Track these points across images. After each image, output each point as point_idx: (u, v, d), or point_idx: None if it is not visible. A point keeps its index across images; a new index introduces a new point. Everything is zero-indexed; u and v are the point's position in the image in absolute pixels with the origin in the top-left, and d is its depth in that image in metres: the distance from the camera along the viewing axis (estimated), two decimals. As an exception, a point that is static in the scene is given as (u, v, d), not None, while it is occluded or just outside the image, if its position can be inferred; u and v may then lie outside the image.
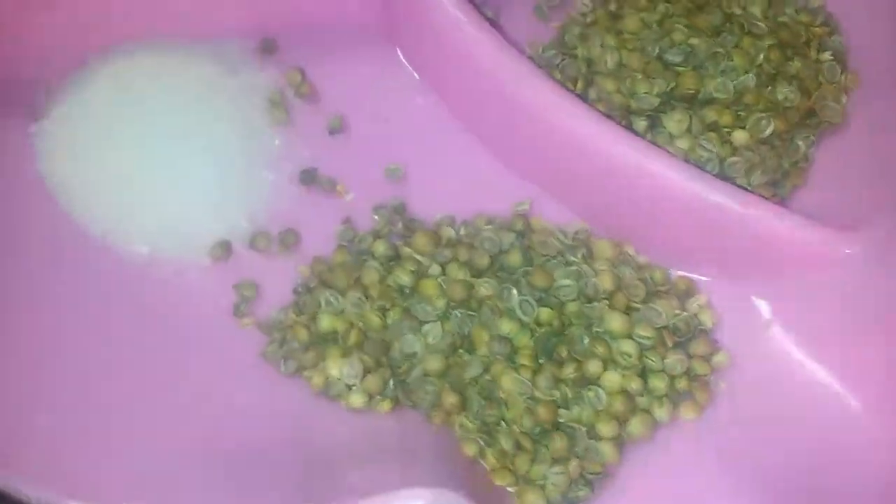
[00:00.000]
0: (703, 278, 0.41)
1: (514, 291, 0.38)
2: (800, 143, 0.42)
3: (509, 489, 0.37)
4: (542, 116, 0.41)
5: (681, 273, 0.41)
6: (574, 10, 0.46)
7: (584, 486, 0.37)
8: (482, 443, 0.37)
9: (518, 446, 0.36)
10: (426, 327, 0.38)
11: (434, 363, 0.38)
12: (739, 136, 0.40)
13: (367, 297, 0.39)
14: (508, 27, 0.46)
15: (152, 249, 0.41)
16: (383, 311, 0.39)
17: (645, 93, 0.41)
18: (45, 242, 0.41)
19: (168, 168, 0.42)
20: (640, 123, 0.41)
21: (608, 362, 0.37)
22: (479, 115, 0.44)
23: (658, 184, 0.39)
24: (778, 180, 0.41)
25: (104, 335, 0.40)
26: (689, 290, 0.40)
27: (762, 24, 0.42)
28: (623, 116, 0.41)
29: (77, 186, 0.42)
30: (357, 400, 0.38)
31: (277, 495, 0.36)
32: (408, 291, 0.39)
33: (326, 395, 0.39)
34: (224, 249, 0.41)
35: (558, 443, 0.36)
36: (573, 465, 0.36)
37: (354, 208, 0.43)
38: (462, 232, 0.41)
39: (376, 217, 0.42)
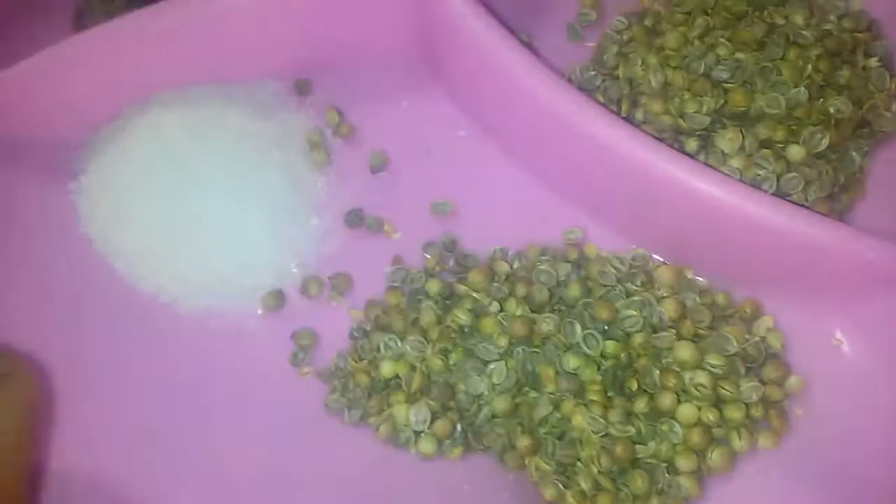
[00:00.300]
0: (765, 299, 0.40)
1: (578, 326, 0.37)
2: (854, 154, 0.41)
3: (592, 531, 0.36)
4: (590, 141, 0.40)
5: (744, 295, 0.40)
6: (608, 27, 0.45)
7: (667, 523, 0.36)
8: (560, 485, 0.36)
9: (597, 486, 0.36)
10: (490, 367, 0.37)
11: (501, 403, 0.37)
12: (795, 152, 0.39)
13: (426, 339, 0.38)
14: (543, 49, 0.45)
15: (203, 304, 0.41)
16: (445, 353, 0.38)
17: (694, 112, 0.40)
18: (97, 304, 0.41)
19: (211, 219, 0.41)
20: (692, 144, 0.40)
21: (681, 394, 0.36)
22: (522, 142, 0.43)
23: (715, 206, 0.38)
24: (835, 194, 0.41)
25: (162, 392, 0.40)
26: (755, 313, 0.39)
27: (808, 34, 0.41)
28: (673, 137, 0.41)
29: (121, 244, 0.41)
30: (427, 446, 0.37)
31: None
32: (467, 331, 0.38)
33: (394, 443, 0.38)
34: (277, 299, 0.41)
35: (639, 481, 0.36)
36: (655, 502, 0.36)
37: (403, 247, 0.42)
38: (516, 265, 0.41)
39: (427, 255, 0.42)
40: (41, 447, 0.37)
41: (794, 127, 0.40)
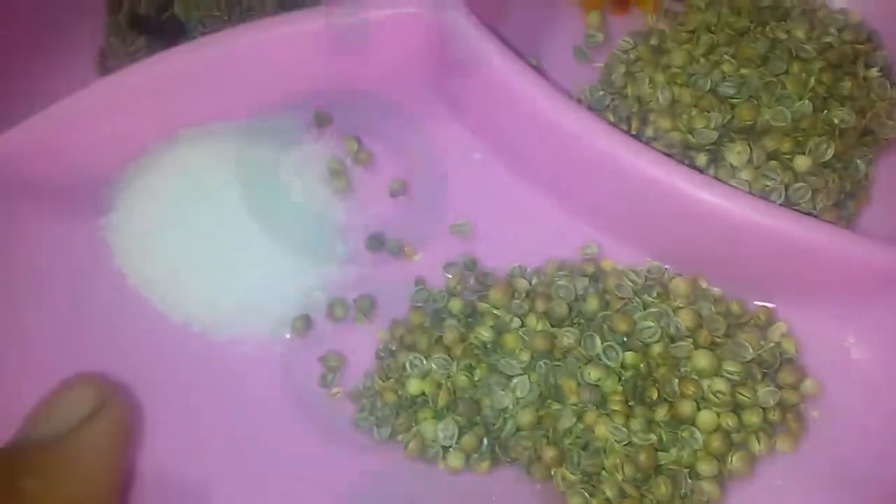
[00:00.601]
0: (778, 306, 0.41)
1: (598, 339, 0.38)
2: (859, 162, 0.42)
3: (619, 537, 0.37)
4: (600, 159, 0.41)
5: (757, 302, 0.41)
6: (615, 48, 0.46)
7: (691, 528, 0.37)
8: (587, 494, 0.37)
9: (623, 494, 0.37)
10: (514, 381, 0.39)
11: (526, 417, 0.38)
12: (801, 162, 0.41)
13: (450, 357, 0.39)
14: (552, 72, 0.47)
15: (233, 331, 0.42)
16: (469, 370, 0.39)
17: (703, 127, 0.41)
18: (132, 336, 0.42)
19: (238, 248, 0.42)
20: (701, 158, 0.42)
21: (700, 401, 0.37)
22: (535, 162, 0.44)
23: (725, 218, 0.39)
24: (842, 202, 0.42)
25: (196, 419, 0.41)
26: (769, 320, 0.41)
27: (809, 48, 0.42)
28: (683, 153, 0.42)
29: (153, 277, 0.42)
30: (456, 461, 0.38)
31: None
32: (490, 347, 0.40)
33: (423, 459, 0.39)
34: (304, 323, 0.42)
35: (663, 488, 0.37)
36: (679, 507, 0.37)
37: (425, 268, 0.43)
38: (535, 281, 0.42)
39: (448, 275, 0.43)
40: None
41: (799, 138, 0.41)
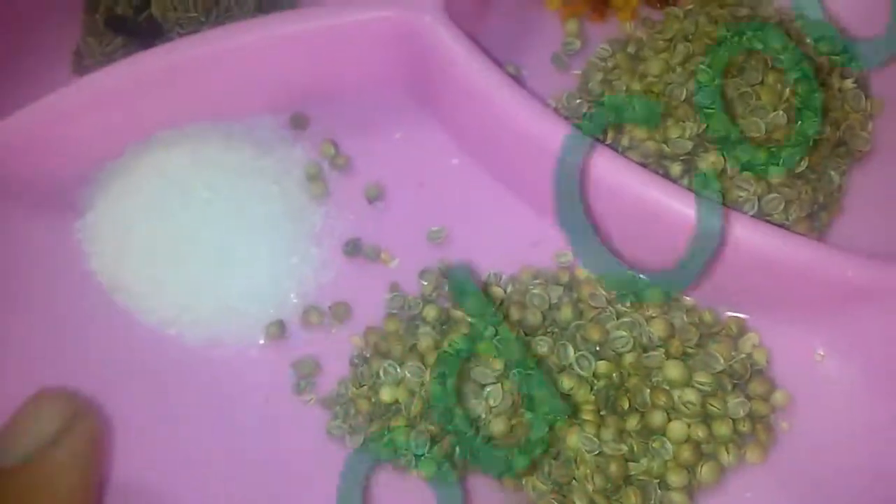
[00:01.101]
0: (750, 316, 0.41)
1: (570, 348, 0.39)
2: (832, 173, 0.42)
3: (588, 548, 0.38)
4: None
5: (729, 313, 0.41)
6: (593, 55, 0.46)
7: (660, 538, 0.38)
8: (557, 504, 0.38)
9: (593, 504, 0.37)
10: (487, 390, 0.39)
11: (499, 426, 0.38)
12: (775, 174, 0.41)
13: (424, 365, 0.40)
14: (531, 79, 0.47)
15: (208, 335, 0.42)
16: (443, 378, 0.39)
17: (677, 137, 0.41)
18: (105, 339, 0.42)
19: (214, 253, 0.42)
20: (676, 168, 0.42)
21: (671, 411, 0.38)
22: (511, 169, 0.44)
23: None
24: (815, 213, 0.42)
25: (168, 424, 0.41)
26: (740, 330, 0.41)
27: (784, 59, 0.42)
28: (657, 162, 0.42)
29: (128, 279, 0.42)
30: (428, 470, 0.38)
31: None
32: (464, 355, 0.40)
33: (395, 466, 0.39)
34: (278, 328, 0.42)
35: (633, 498, 0.37)
36: (649, 518, 0.37)
37: (400, 274, 0.43)
38: (510, 289, 0.42)
39: (423, 282, 0.43)
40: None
41: (773, 149, 0.41)
